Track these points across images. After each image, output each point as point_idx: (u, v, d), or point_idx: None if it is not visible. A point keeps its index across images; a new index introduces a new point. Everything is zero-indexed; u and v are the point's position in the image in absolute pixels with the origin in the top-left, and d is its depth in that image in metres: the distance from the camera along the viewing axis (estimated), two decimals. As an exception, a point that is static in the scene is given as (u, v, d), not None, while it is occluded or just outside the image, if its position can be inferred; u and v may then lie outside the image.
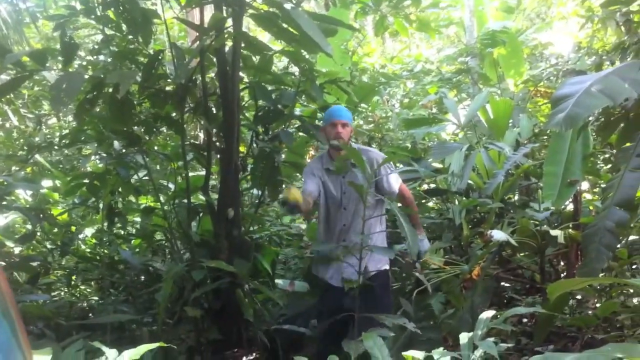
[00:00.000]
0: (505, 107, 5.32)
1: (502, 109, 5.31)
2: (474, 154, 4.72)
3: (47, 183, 5.66)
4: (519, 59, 6.94)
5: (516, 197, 5.21)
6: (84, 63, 5.65)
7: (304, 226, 5.59)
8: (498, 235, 3.74)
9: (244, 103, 4.63)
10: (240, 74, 4.24)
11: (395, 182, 3.81)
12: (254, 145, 4.59)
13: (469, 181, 5.01)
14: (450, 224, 4.97)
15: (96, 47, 4.65)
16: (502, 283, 4.84)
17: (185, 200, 4.39)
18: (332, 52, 3.44)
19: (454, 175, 4.98)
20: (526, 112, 5.88)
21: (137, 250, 5.14)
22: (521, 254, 4.88)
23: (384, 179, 3.73)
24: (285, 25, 3.51)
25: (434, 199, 5.72)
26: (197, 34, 3.94)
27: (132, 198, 5.05)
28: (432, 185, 6.01)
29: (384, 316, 3.04)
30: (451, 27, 8.74)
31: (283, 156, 4.71)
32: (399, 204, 3.78)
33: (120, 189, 4.69)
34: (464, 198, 5.08)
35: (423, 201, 5.49)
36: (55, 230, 5.03)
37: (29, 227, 5.92)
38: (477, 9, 7.85)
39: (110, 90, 3.79)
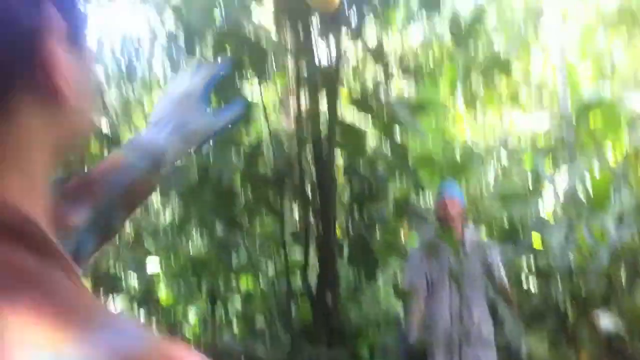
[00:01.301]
0: (605, 180, 5.15)
1: (602, 183, 5.14)
2: (575, 232, 4.57)
3: (152, 266, 5.85)
4: (618, 128, 6.73)
5: (623, 277, 4.96)
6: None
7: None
8: (607, 323, 3.56)
9: (340, 185, 4.70)
10: (336, 157, 4.33)
11: (504, 272, 3.74)
12: (349, 227, 4.61)
13: (571, 260, 4.82)
14: (553, 307, 4.76)
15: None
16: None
17: (285, 284, 4.44)
18: (424, 135, 3.50)
19: (555, 254, 4.82)
20: (628, 184, 5.66)
21: (238, 334, 5.19)
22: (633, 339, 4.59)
23: (494, 265, 3.68)
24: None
25: (535, 279, 5.52)
26: (294, 119, 4.09)
27: (232, 281, 5.15)
28: (532, 264, 5.82)
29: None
30: (544, 94, 8.63)
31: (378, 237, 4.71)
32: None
33: (221, 273, 4.82)
34: (567, 279, 4.87)
35: (523, 283, 5.31)
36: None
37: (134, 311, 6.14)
38: (570, 77, 7.73)
39: (213, 177, 3.95)
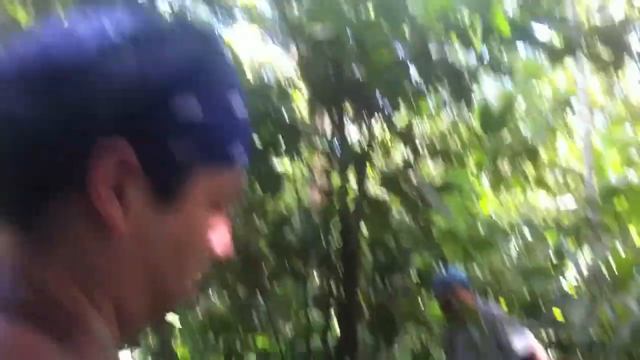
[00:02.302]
0: (629, 260, 5.20)
1: (626, 262, 5.19)
2: (597, 307, 4.60)
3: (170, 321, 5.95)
4: (643, 211, 6.77)
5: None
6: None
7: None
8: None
9: (363, 255, 4.80)
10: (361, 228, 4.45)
11: (518, 341, 3.77)
12: (372, 296, 4.70)
13: (593, 335, 4.83)
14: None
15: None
16: None
17: (301, 346, 4.53)
18: (450, 216, 3.60)
19: (576, 329, 4.83)
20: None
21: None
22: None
23: (503, 337, 3.73)
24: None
25: (556, 353, 5.51)
26: (319, 193, 4.24)
27: (250, 342, 5.23)
28: (553, 339, 5.80)
29: None
30: (569, 178, 8.71)
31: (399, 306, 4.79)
32: None
33: (240, 331, 4.90)
34: (588, 352, 4.88)
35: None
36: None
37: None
38: (596, 161, 7.82)
39: (239, 244, 4.09)
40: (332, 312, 4.51)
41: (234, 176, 0.63)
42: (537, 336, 5.48)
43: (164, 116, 0.55)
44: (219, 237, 0.65)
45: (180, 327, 5.60)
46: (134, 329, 0.63)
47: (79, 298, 0.55)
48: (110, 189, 0.54)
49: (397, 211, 4.70)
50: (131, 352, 4.94)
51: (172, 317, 5.65)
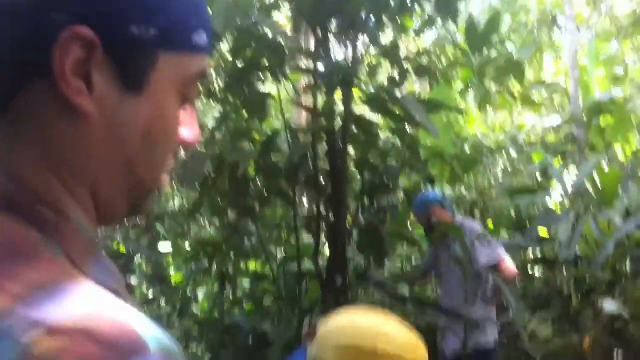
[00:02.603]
0: (614, 176, 5.26)
1: (610, 179, 5.25)
2: (582, 224, 4.68)
3: (163, 249, 6.04)
4: (628, 128, 6.82)
5: (628, 267, 5.08)
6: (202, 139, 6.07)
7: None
8: (610, 306, 3.70)
9: (351, 176, 4.83)
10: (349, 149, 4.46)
11: (484, 254, 3.90)
12: (360, 216, 4.76)
13: (577, 251, 4.94)
14: (558, 293, 4.90)
15: (213, 125, 5.05)
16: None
17: (292, 267, 4.61)
18: (438, 135, 3.61)
19: (561, 245, 4.94)
20: (637, 181, 5.76)
21: (248, 314, 5.36)
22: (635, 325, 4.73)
23: (481, 251, 3.87)
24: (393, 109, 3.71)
25: (541, 268, 5.65)
26: (305, 113, 4.22)
27: (242, 265, 5.33)
28: (539, 255, 5.94)
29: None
30: (555, 95, 8.69)
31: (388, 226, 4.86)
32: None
33: (232, 255, 4.98)
34: (573, 267, 5.00)
35: (530, 272, 5.44)
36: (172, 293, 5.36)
37: (144, 291, 6.33)
38: (582, 78, 7.79)
39: (229, 166, 4.10)
40: (322, 233, 4.56)
41: (198, 64, 0.63)
42: (523, 253, 5.63)
43: (126, 2, 0.56)
44: (188, 126, 0.66)
45: (173, 253, 5.70)
46: (110, 218, 0.64)
47: (54, 184, 0.57)
48: (76, 75, 0.55)
49: (384, 131, 4.71)
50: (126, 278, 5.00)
51: (165, 245, 5.75)
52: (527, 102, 5.52)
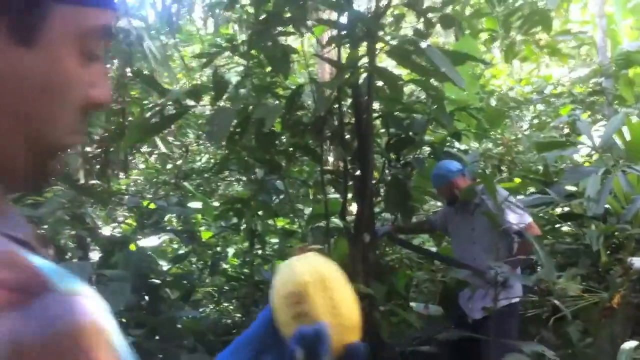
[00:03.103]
0: (643, 128, 5.18)
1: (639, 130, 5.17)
2: (611, 178, 4.62)
3: (194, 206, 6.11)
4: (658, 78, 6.69)
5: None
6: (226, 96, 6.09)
7: (434, 249, 5.68)
8: (639, 263, 3.68)
9: (376, 131, 4.83)
10: (374, 103, 4.44)
11: (513, 218, 3.90)
12: (386, 171, 4.77)
13: (606, 206, 4.89)
14: (586, 250, 4.87)
15: (238, 80, 5.06)
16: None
17: (320, 224, 4.64)
18: (464, 85, 3.57)
19: (590, 200, 4.89)
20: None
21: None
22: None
23: (509, 214, 3.87)
24: (418, 60, 3.68)
25: (569, 224, 5.62)
26: (328, 69, 4.20)
27: (270, 221, 5.38)
28: (566, 210, 5.90)
29: (522, 343, 3.10)
30: (583, 47, 8.52)
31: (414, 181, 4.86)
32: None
33: (260, 213, 5.04)
34: (601, 223, 4.96)
35: (557, 226, 5.41)
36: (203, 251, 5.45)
37: (176, 246, 6.44)
38: (609, 28, 7.61)
39: (255, 122, 4.12)
40: (349, 190, 4.58)
41: (98, 17, 0.61)
42: (551, 209, 5.59)
43: None
44: (97, 85, 0.63)
45: (202, 211, 5.77)
46: (17, 185, 0.61)
47: None
48: None
49: (409, 84, 4.68)
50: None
51: (196, 204, 5.82)
52: (553, 52, 5.42)
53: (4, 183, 0.59)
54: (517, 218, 3.95)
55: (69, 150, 0.67)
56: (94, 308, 0.51)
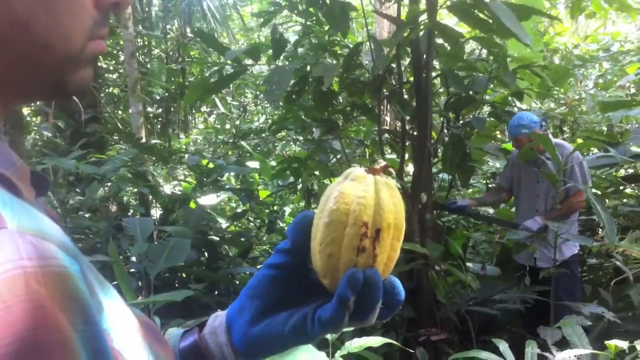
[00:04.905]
0: None
1: None
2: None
3: (251, 166, 6.20)
4: None
5: None
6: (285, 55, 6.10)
7: (491, 211, 5.62)
8: None
9: (435, 90, 4.76)
10: (433, 62, 4.37)
11: (577, 180, 3.87)
12: (445, 131, 4.71)
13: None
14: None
15: (296, 38, 5.06)
16: None
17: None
18: (530, 42, 3.46)
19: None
20: None
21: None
22: None
23: (570, 172, 3.84)
24: (481, 15, 3.58)
25: (633, 185, 5.47)
26: (387, 27, 4.13)
27: (327, 180, 5.41)
28: (631, 171, 5.75)
29: (581, 304, 3.06)
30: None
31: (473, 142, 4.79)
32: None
33: (317, 172, 5.07)
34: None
35: (621, 188, 5.27)
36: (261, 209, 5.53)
37: (234, 205, 6.56)
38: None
39: (313, 81, 4.12)
40: (406, 149, 4.55)
41: None
42: (615, 170, 5.45)
43: None
44: None
45: (260, 170, 5.84)
46: (20, 93, 0.54)
47: None
48: None
49: (470, 41, 4.58)
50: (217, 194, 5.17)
51: (254, 163, 5.90)
52: (622, 8, 5.19)
53: (11, 99, 0.53)
54: (578, 179, 3.92)
55: (89, 58, 0.54)
56: (48, 251, 0.42)
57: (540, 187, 4.14)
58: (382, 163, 0.69)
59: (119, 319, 0.49)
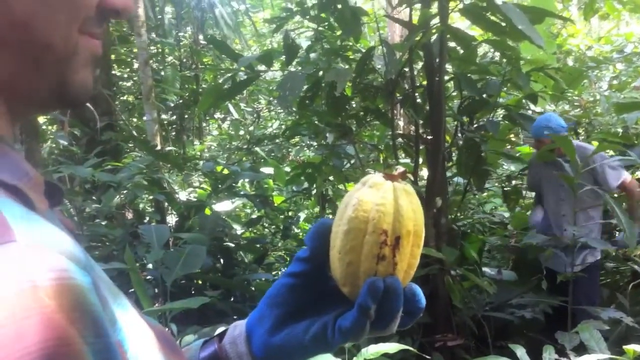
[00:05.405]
0: None
1: None
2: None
3: (266, 172, 6.22)
4: None
5: None
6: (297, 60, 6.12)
7: (507, 214, 5.59)
8: None
9: (449, 94, 4.75)
10: (446, 65, 4.36)
11: (613, 176, 3.83)
12: (459, 135, 4.69)
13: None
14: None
15: (308, 44, 5.07)
16: None
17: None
18: (543, 44, 3.44)
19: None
20: None
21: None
22: None
23: (600, 173, 3.81)
24: (493, 18, 3.57)
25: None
26: (399, 31, 4.13)
27: (341, 186, 5.42)
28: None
29: (599, 309, 3.04)
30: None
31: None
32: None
33: (331, 177, 5.07)
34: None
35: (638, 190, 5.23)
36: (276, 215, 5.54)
37: (249, 211, 6.58)
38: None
39: (326, 86, 4.13)
40: (420, 154, 4.54)
41: None
42: (632, 172, 5.40)
43: None
44: None
45: (274, 175, 5.85)
46: (27, 101, 0.53)
47: None
48: None
49: (483, 44, 4.57)
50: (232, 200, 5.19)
51: (268, 169, 5.91)
52: (635, 9, 5.15)
53: (19, 111, 0.53)
54: (615, 174, 3.89)
55: (85, 57, 0.54)
56: (58, 264, 0.42)
57: (565, 191, 4.05)
58: (400, 169, 0.69)
59: (134, 330, 0.49)
